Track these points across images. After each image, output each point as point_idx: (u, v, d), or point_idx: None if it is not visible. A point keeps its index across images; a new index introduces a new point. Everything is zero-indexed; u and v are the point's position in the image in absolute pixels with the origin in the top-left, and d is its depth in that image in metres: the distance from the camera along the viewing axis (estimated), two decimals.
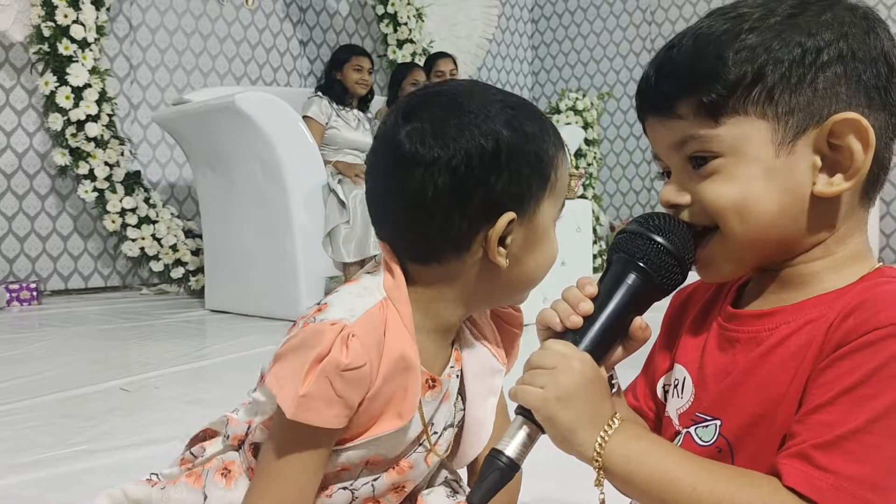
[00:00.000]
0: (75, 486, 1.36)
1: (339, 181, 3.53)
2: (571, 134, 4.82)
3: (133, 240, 4.35)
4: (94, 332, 3.24)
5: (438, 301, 0.82)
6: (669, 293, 0.72)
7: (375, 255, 0.91)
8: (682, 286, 0.75)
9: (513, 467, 0.65)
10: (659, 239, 0.69)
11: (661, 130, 0.71)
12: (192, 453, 0.89)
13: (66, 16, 4.10)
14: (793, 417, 0.64)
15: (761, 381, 0.67)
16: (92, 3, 4.20)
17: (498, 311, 0.92)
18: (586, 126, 5.44)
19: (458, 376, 0.88)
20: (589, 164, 5.62)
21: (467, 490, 0.93)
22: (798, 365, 0.65)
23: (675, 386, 0.77)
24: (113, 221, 4.32)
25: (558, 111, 5.41)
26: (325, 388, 0.73)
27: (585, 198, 4.23)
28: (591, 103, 5.51)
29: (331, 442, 0.78)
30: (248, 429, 0.85)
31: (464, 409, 0.90)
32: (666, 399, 0.79)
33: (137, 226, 4.34)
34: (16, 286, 4.16)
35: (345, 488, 0.84)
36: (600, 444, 0.64)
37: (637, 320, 0.71)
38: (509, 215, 0.77)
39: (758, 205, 0.66)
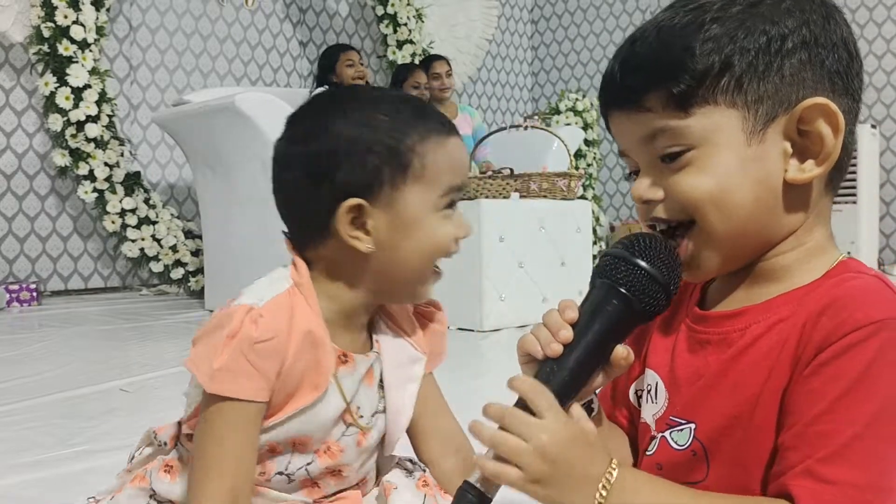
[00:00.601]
0: (75, 487, 1.36)
1: None
2: (571, 134, 4.82)
3: (133, 240, 4.35)
4: (94, 333, 3.24)
5: (335, 285, 0.88)
6: (652, 319, 0.70)
7: None
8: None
9: (482, 500, 0.63)
10: (643, 264, 0.67)
11: (629, 125, 0.70)
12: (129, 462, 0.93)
13: (65, 16, 4.11)
14: (772, 419, 0.64)
15: (734, 382, 0.67)
16: (92, 3, 4.21)
17: (419, 310, 0.97)
18: (586, 127, 5.43)
19: (379, 362, 0.92)
20: (589, 165, 5.62)
21: (423, 467, 0.97)
22: (772, 366, 0.64)
23: (649, 391, 0.76)
24: (113, 222, 4.32)
25: (558, 112, 5.41)
26: (240, 360, 0.80)
27: (585, 198, 4.23)
28: (591, 104, 5.51)
29: (257, 417, 0.83)
30: (180, 426, 0.91)
31: (384, 398, 0.93)
32: (640, 404, 0.79)
33: (137, 226, 4.34)
34: (16, 287, 4.16)
35: (281, 473, 0.88)
36: None
37: (619, 349, 0.69)
38: (351, 202, 0.84)
39: (734, 195, 0.66)
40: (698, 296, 0.76)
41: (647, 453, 0.75)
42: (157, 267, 4.40)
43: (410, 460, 0.99)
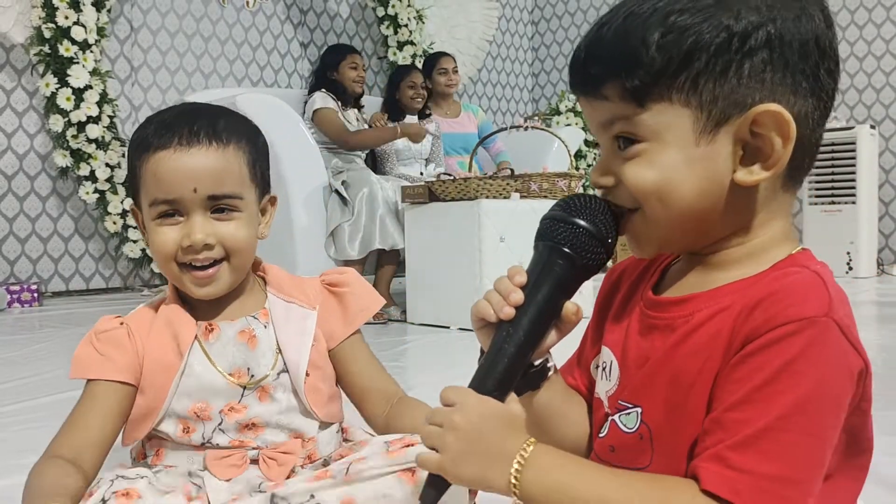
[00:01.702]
0: None
1: (343, 182, 3.54)
2: (571, 135, 4.82)
3: (134, 241, 4.36)
4: None
5: None
6: (596, 272, 0.73)
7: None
8: (610, 265, 0.77)
9: (439, 485, 0.67)
10: (581, 222, 0.71)
11: (589, 109, 0.71)
12: None
13: (66, 17, 4.11)
14: (703, 408, 0.64)
15: (675, 369, 0.67)
16: (93, 4, 4.21)
17: (325, 279, 1.09)
18: (586, 127, 5.44)
19: (266, 326, 1.02)
20: (589, 166, 5.63)
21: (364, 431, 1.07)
22: (708, 354, 0.65)
23: (604, 368, 0.77)
24: (114, 223, 4.32)
25: (558, 112, 5.42)
26: (88, 348, 1.00)
27: None
28: None
29: (113, 395, 0.97)
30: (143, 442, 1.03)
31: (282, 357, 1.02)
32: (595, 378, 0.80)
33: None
34: (17, 287, 4.17)
35: (205, 444, 0.98)
36: (514, 484, 0.64)
37: (569, 305, 0.72)
38: (131, 206, 1.04)
39: (677, 190, 0.66)
40: (656, 278, 0.77)
41: (600, 435, 0.76)
42: (158, 268, 4.40)
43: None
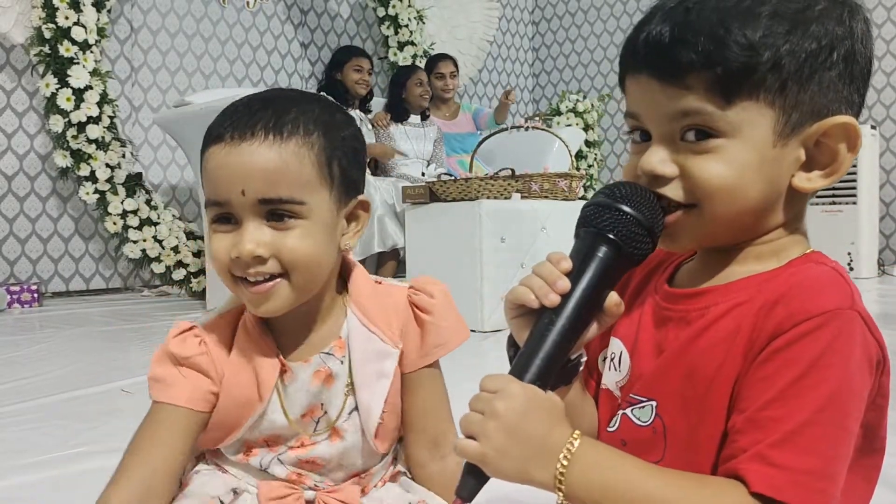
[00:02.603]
0: (75, 488, 1.36)
1: None
2: (572, 135, 4.82)
3: (134, 241, 4.35)
4: (96, 334, 3.24)
5: None
6: (639, 263, 0.71)
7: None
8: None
9: (479, 476, 0.64)
10: (627, 209, 0.68)
11: (660, 96, 0.67)
12: None
13: (66, 18, 4.11)
14: (723, 404, 0.64)
15: (691, 363, 0.67)
16: (93, 5, 4.21)
17: (412, 299, 0.95)
18: (587, 128, 5.43)
19: (342, 362, 0.92)
20: (590, 166, 5.62)
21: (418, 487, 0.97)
22: (727, 350, 0.65)
23: (612, 359, 0.77)
24: (114, 223, 4.32)
25: (559, 113, 5.41)
26: (169, 370, 0.89)
27: (586, 199, 4.24)
28: (592, 105, 5.51)
29: (188, 422, 0.88)
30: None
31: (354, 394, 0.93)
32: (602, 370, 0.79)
33: (139, 228, 4.34)
34: (17, 288, 4.16)
35: (259, 469, 0.93)
36: (559, 480, 0.61)
37: (612, 296, 0.70)
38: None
39: (746, 191, 0.66)
40: (671, 271, 0.77)
41: (609, 429, 0.75)
42: (158, 268, 4.40)
43: (405, 473, 0.99)
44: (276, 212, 0.83)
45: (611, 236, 0.68)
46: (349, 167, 0.88)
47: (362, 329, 0.92)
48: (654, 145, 0.69)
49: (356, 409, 0.92)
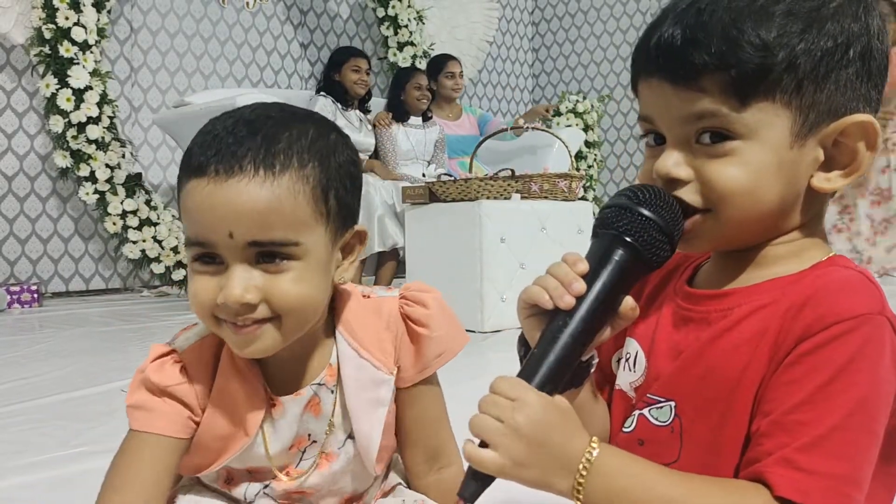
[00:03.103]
0: (75, 488, 1.36)
1: None
2: (572, 136, 4.82)
3: (134, 242, 4.35)
4: (95, 335, 3.24)
5: None
6: (656, 269, 0.69)
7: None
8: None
9: (484, 480, 0.62)
10: (647, 213, 0.66)
11: (673, 99, 0.66)
12: None
13: (66, 18, 4.11)
14: (748, 405, 0.64)
15: (713, 364, 0.66)
16: (93, 5, 4.21)
17: (405, 311, 0.89)
18: (587, 128, 5.43)
19: (332, 391, 0.86)
20: (589, 167, 5.62)
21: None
22: (752, 352, 0.64)
23: (627, 360, 0.76)
24: (114, 223, 4.32)
25: (559, 113, 5.41)
26: (148, 398, 0.81)
27: (586, 199, 4.23)
28: (592, 105, 5.51)
29: (170, 450, 0.82)
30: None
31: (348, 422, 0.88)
32: (616, 372, 0.79)
33: (138, 228, 4.34)
34: (17, 288, 4.16)
35: (242, 501, 0.88)
36: (578, 490, 0.61)
37: (628, 300, 0.68)
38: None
39: (764, 194, 0.65)
40: (690, 273, 0.76)
41: (626, 430, 0.74)
42: (158, 268, 4.40)
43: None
44: (267, 253, 0.75)
45: (629, 240, 0.66)
46: (346, 196, 0.80)
47: (353, 355, 0.86)
48: (669, 149, 0.68)
49: (350, 437, 0.88)
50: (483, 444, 0.61)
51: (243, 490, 0.87)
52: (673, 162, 0.67)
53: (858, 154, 0.65)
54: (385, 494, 0.95)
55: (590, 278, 0.66)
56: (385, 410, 0.87)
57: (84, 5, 4.16)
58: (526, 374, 0.65)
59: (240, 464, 0.86)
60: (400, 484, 0.96)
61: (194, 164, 0.74)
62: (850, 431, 0.59)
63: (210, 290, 0.75)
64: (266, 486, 0.87)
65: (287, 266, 0.75)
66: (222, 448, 0.84)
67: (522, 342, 0.73)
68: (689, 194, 0.67)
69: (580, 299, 0.66)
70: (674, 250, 0.68)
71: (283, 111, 0.80)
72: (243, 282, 0.74)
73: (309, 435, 0.87)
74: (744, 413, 0.64)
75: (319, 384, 0.86)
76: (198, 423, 0.83)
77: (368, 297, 0.90)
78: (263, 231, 0.73)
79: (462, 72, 4.62)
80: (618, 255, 0.67)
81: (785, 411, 0.60)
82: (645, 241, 0.66)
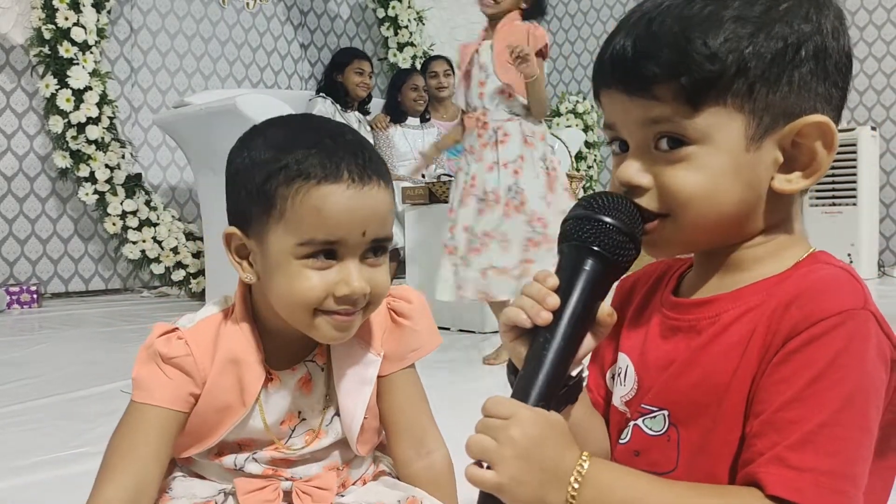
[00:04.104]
0: (75, 489, 1.36)
1: None
2: (572, 137, 4.82)
3: (134, 242, 4.35)
4: (95, 335, 3.24)
5: (267, 305, 0.90)
6: (627, 270, 0.71)
7: None
8: (627, 273, 0.74)
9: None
10: (607, 219, 0.67)
11: (630, 107, 0.68)
12: None
13: (66, 18, 4.11)
14: (740, 408, 0.64)
15: (704, 370, 0.67)
16: (93, 5, 4.21)
17: (391, 305, 0.97)
18: (586, 129, 5.44)
19: (323, 369, 0.94)
20: (589, 167, 5.63)
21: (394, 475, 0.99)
22: (741, 354, 0.65)
23: (619, 374, 0.77)
24: (114, 224, 4.32)
25: (559, 114, 5.41)
26: (153, 370, 0.87)
27: None
28: (592, 106, 5.51)
29: (170, 423, 0.87)
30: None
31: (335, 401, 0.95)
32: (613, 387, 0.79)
33: (138, 228, 4.34)
34: (16, 289, 4.16)
35: (234, 469, 0.94)
36: (570, 503, 0.61)
37: (604, 306, 0.69)
38: (228, 228, 0.88)
39: (722, 196, 0.66)
40: (674, 283, 0.77)
41: (621, 441, 0.75)
42: (158, 269, 4.40)
43: (389, 473, 1.01)
44: (373, 249, 0.86)
45: (595, 248, 0.68)
46: None
47: None
48: (630, 156, 0.70)
49: (336, 414, 0.94)
50: (479, 464, 0.61)
51: (232, 459, 0.93)
52: (634, 170, 0.69)
53: (817, 154, 0.65)
54: (374, 478, 1.00)
55: (563, 291, 0.68)
56: (370, 389, 0.94)
57: (84, 6, 4.16)
58: (518, 393, 0.65)
59: (234, 436, 0.92)
60: (388, 473, 1.00)
61: (320, 174, 0.82)
62: (841, 427, 0.59)
63: (325, 285, 0.83)
64: (254, 453, 0.93)
65: (382, 261, 0.88)
66: (219, 421, 0.90)
67: (511, 369, 0.74)
68: (649, 201, 0.68)
69: (557, 313, 0.67)
70: (639, 250, 0.70)
71: (351, 131, 0.90)
72: (362, 274, 0.84)
73: (299, 412, 0.94)
74: (736, 416, 0.64)
75: (311, 361, 0.94)
76: (196, 399, 0.89)
77: None
78: (384, 229, 0.86)
79: (448, 70, 4.60)
80: (587, 264, 0.68)
81: (775, 410, 0.61)
82: (610, 246, 0.68)
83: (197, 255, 4.42)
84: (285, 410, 0.93)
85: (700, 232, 0.68)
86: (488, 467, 0.61)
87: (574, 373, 0.72)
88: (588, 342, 0.70)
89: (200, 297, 4.26)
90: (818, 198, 5.03)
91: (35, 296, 4.19)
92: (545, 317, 0.66)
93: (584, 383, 0.76)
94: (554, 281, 0.68)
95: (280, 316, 0.88)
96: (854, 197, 4.89)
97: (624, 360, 0.76)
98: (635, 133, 0.69)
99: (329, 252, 0.84)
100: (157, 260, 4.39)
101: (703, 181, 0.66)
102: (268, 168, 0.83)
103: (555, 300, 0.67)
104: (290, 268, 0.83)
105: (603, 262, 0.68)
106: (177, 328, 0.90)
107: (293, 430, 0.94)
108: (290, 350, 0.93)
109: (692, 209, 0.66)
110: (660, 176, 0.67)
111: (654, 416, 0.70)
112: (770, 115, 0.65)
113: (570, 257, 0.69)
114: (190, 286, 4.43)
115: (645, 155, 0.68)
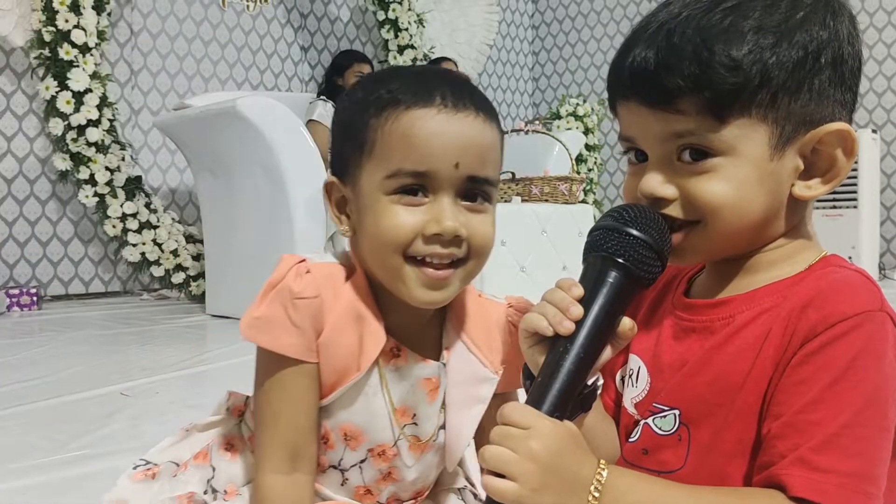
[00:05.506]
0: (74, 492, 1.36)
1: None
2: (572, 139, 4.82)
3: (134, 245, 4.35)
4: (95, 338, 3.24)
5: (365, 260, 0.80)
6: (650, 286, 0.70)
7: None
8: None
9: None
10: (636, 232, 0.67)
11: (651, 120, 0.67)
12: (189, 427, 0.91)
13: (66, 21, 4.11)
14: (753, 408, 0.64)
15: (718, 371, 0.67)
16: (93, 8, 4.21)
17: (512, 319, 0.87)
18: (587, 131, 5.44)
19: (445, 377, 0.85)
20: (590, 170, 5.62)
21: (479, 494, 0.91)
22: (756, 355, 0.65)
23: (630, 376, 0.77)
24: (114, 226, 4.31)
25: (559, 116, 5.41)
26: (279, 312, 0.76)
27: (586, 202, 4.24)
28: (592, 109, 5.51)
29: (305, 378, 0.78)
30: (247, 399, 0.88)
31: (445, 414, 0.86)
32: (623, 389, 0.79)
33: (138, 231, 4.34)
34: (16, 291, 4.16)
35: (334, 467, 0.84)
36: None
37: (625, 320, 0.69)
38: (328, 178, 0.80)
39: (749, 206, 0.66)
40: (685, 285, 0.77)
41: (630, 440, 0.75)
42: (158, 271, 4.40)
43: (475, 494, 0.95)
44: (473, 191, 0.76)
45: (620, 261, 0.67)
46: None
47: (462, 348, 0.84)
48: (652, 168, 0.69)
49: (443, 427, 0.85)
50: (496, 474, 0.61)
51: (338, 456, 0.83)
52: (657, 182, 0.68)
53: (837, 161, 0.66)
54: (453, 492, 0.94)
55: (586, 302, 0.67)
56: (482, 409, 0.84)
57: (84, 8, 4.15)
58: (533, 401, 0.65)
59: (346, 412, 0.81)
60: (467, 487, 0.95)
61: (409, 99, 0.74)
62: (863, 428, 0.59)
63: (415, 222, 0.74)
64: (363, 461, 0.83)
65: (485, 208, 0.77)
66: (334, 381, 0.79)
67: (527, 374, 0.73)
68: (675, 210, 0.69)
69: (579, 323, 0.66)
70: (664, 266, 0.69)
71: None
72: (457, 214, 0.74)
73: (413, 415, 0.83)
74: (749, 416, 0.65)
75: (443, 363, 0.84)
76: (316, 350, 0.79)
77: (481, 296, 0.89)
78: (482, 166, 0.75)
79: (454, 70, 4.63)
80: (611, 276, 0.68)
81: (796, 411, 0.61)
82: (636, 260, 0.67)
83: (197, 257, 4.42)
84: (401, 399, 0.82)
85: (726, 240, 0.69)
86: (497, 475, 0.60)
87: (590, 381, 0.71)
88: (606, 353, 0.69)
89: (200, 299, 4.26)
90: (819, 200, 5.02)
91: (35, 298, 4.19)
92: (568, 326, 0.66)
93: (599, 391, 0.75)
94: (579, 291, 0.68)
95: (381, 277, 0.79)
96: (855, 200, 4.89)
97: (636, 361, 0.76)
98: (656, 145, 0.68)
99: (419, 187, 0.74)
100: (157, 262, 4.39)
101: (730, 192, 0.66)
102: (363, 102, 0.77)
103: (579, 310, 0.66)
104: (378, 205, 0.75)
105: (627, 275, 0.68)
106: (304, 259, 0.79)
107: (402, 430, 0.83)
108: (418, 332, 0.83)
109: (720, 219, 0.67)
110: (685, 187, 0.67)
111: (665, 416, 0.71)
112: (792, 123, 0.65)
113: (595, 268, 0.69)
114: (190, 289, 4.43)
115: (667, 166, 0.68)
